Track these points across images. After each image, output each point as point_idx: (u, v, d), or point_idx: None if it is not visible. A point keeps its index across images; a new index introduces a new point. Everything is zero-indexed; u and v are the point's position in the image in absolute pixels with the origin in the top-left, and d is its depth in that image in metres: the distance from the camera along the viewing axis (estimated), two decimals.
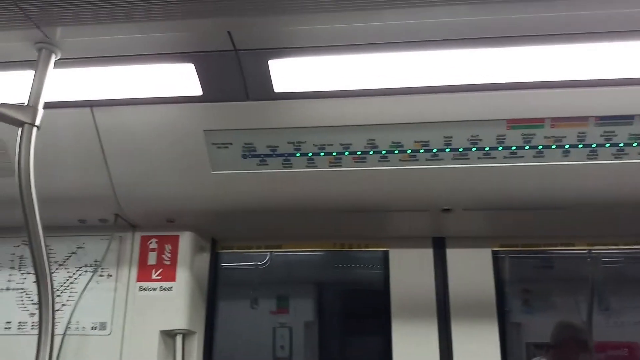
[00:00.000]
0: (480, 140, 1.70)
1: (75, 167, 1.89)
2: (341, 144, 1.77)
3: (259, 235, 2.41)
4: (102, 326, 2.14)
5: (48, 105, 1.44)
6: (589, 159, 1.71)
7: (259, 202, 1.97)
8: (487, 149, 1.72)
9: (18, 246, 2.29)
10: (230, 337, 2.75)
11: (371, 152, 1.76)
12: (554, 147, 1.70)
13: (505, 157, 1.73)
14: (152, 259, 2.18)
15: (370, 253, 2.43)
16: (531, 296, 2.67)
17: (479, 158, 1.73)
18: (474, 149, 1.72)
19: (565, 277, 2.64)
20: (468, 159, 1.73)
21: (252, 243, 2.45)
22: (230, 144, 1.81)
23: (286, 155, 1.81)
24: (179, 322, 2.10)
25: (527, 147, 1.71)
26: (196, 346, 2.20)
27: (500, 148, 1.71)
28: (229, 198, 1.96)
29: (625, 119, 1.64)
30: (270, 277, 2.74)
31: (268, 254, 2.58)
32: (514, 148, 1.71)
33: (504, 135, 1.69)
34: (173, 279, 2.14)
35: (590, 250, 2.33)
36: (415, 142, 1.72)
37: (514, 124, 1.67)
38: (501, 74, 1.56)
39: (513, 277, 2.47)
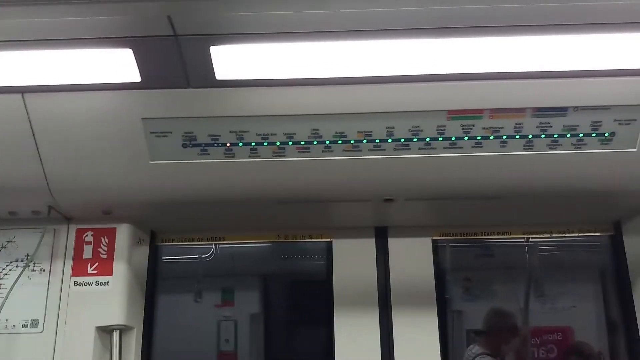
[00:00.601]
0: (421, 130, 1.73)
1: (5, 156, 1.80)
2: (285, 134, 1.75)
3: (200, 227, 2.37)
4: (34, 323, 2.05)
5: None
6: (525, 150, 1.76)
7: (200, 193, 1.93)
8: (427, 139, 1.74)
9: None
10: (173, 331, 2.69)
11: (315, 142, 1.76)
12: (492, 137, 1.74)
13: (445, 148, 1.76)
14: (87, 252, 2.10)
15: (315, 244, 2.43)
16: (471, 284, 2.74)
17: (420, 148, 1.76)
18: (415, 140, 1.74)
19: (503, 265, 2.73)
20: (409, 149, 1.76)
21: (193, 235, 2.41)
22: (170, 132, 1.76)
23: (228, 144, 1.78)
24: (116, 317, 2.04)
25: (466, 138, 1.75)
26: (134, 342, 2.13)
27: (440, 139, 1.74)
28: (168, 189, 1.91)
29: (560, 111, 1.70)
30: (215, 270, 2.70)
31: (212, 246, 2.53)
32: (453, 139, 1.74)
33: (444, 126, 1.72)
34: (110, 273, 2.07)
35: (527, 238, 2.41)
36: (358, 132, 1.73)
37: (454, 114, 1.71)
38: (442, 65, 1.59)
39: (453, 265, 2.54)
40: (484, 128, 1.73)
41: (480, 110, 1.70)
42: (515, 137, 1.74)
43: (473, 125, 1.72)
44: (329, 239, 2.36)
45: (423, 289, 2.25)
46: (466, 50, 1.54)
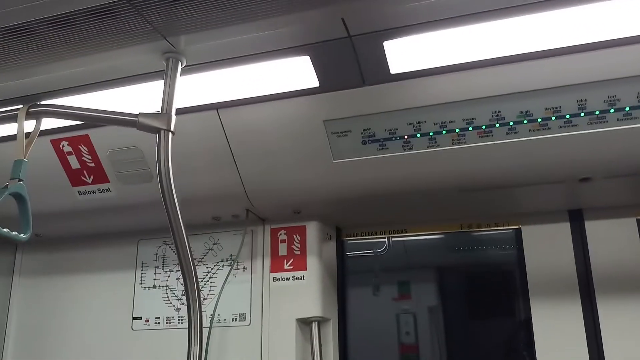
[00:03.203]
0: (618, 100, 1.57)
1: (206, 167, 1.99)
2: (464, 119, 1.70)
3: (382, 221, 2.40)
4: (242, 317, 2.24)
5: (178, 112, 1.53)
6: None
7: (381, 187, 1.96)
8: (627, 109, 1.57)
9: (159, 246, 2.46)
10: (360, 323, 2.76)
11: (497, 125, 1.68)
12: None
13: None
14: (282, 249, 2.24)
15: (496, 232, 2.33)
16: None
17: (618, 120, 1.59)
18: (612, 111, 1.59)
19: None
20: (606, 121, 1.60)
21: (375, 229, 2.45)
22: (350, 131, 1.81)
23: (406, 137, 1.78)
24: (313, 309, 2.15)
25: None
26: (331, 333, 2.23)
27: None
28: (351, 185, 1.96)
29: None
30: (392, 264, 2.71)
31: (386, 240, 2.55)
32: None
33: None
34: (304, 268, 2.19)
35: None
36: (545, 109, 1.62)
37: None
38: (636, 26, 1.42)
39: None
40: None
41: None
42: None
43: None
44: (516, 226, 2.25)
45: (630, 273, 2.04)
46: None
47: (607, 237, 2.09)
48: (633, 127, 1.60)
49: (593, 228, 2.12)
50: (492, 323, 2.65)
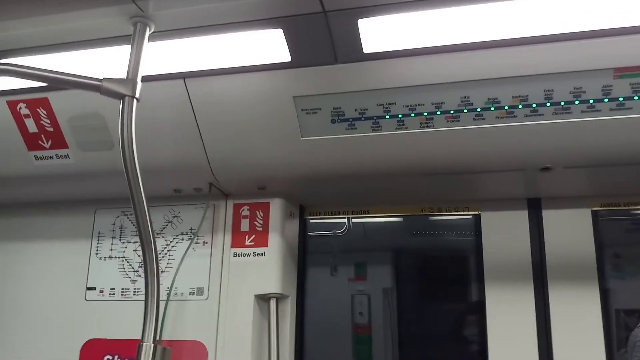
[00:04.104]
0: (584, 92, 1.60)
1: (170, 138, 1.95)
2: (433, 103, 1.71)
3: (346, 201, 2.42)
4: (200, 291, 2.23)
5: (143, 79, 1.48)
6: None
7: (347, 167, 1.96)
8: (591, 101, 1.61)
9: (117, 217, 2.41)
10: (317, 302, 2.78)
11: (465, 110, 1.70)
12: None
13: (611, 110, 1.62)
14: (244, 225, 2.23)
15: (455, 218, 2.37)
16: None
17: (582, 112, 1.63)
18: (577, 102, 1.62)
19: None
20: (571, 112, 1.64)
21: (338, 209, 2.46)
22: (319, 109, 1.80)
23: (375, 118, 1.79)
24: (272, 286, 2.15)
25: (636, 98, 1.59)
26: (289, 310, 2.24)
27: (606, 100, 1.60)
28: (318, 164, 1.96)
29: None
30: (350, 245, 2.73)
31: (346, 221, 2.57)
32: (621, 99, 1.60)
33: (611, 86, 1.58)
34: (266, 244, 2.18)
35: None
36: (513, 97, 1.64)
37: (622, 72, 1.56)
38: (606, 20, 1.45)
39: (615, 240, 2.33)
40: None
41: None
42: None
43: None
44: (476, 212, 2.29)
45: (582, 263, 2.11)
46: (635, 1, 1.39)
47: (562, 226, 2.16)
48: (595, 120, 1.64)
49: (550, 217, 2.18)
50: (446, 306, 2.71)
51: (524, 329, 2.10)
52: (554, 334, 2.06)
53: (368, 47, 1.60)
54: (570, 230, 2.14)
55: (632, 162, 1.81)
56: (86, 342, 2.29)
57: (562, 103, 1.63)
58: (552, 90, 1.61)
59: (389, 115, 1.77)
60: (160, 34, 1.58)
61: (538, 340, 2.08)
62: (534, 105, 1.65)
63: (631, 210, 2.20)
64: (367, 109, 1.77)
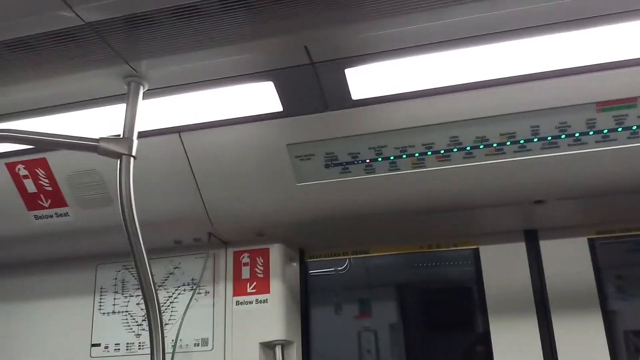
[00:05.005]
0: (569, 126, 1.64)
1: (168, 191, 1.97)
2: (423, 144, 1.75)
3: (345, 242, 2.43)
4: (205, 342, 2.22)
5: (139, 135, 1.52)
6: None
7: (344, 209, 1.98)
8: (577, 134, 1.65)
9: (119, 271, 2.41)
10: (324, 343, 2.76)
11: (455, 150, 1.74)
12: None
13: (597, 142, 1.66)
14: (245, 273, 2.24)
15: (456, 251, 2.39)
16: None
17: (569, 145, 1.67)
18: (563, 136, 1.66)
19: None
20: (558, 147, 1.67)
21: (338, 250, 2.47)
22: (313, 155, 1.83)
23: (368, 161, 1.82)
24: (277, 333, 2.15)
25: (620, 129, 1.63)
26: (295, 355, 2.23)
27: (591, 132, 1.65)
28: (314, 208, 1.98)
29: None
30: (353, 282, 2.73)
31: (347, 258, 2.58)
32: (606, 131, 1.64)
33: (594, 119, 1.63)
34: (267, 291, 2.19)
35: None
36: (500, 134, 1.68)
37: (604, 106, 1.60)
38: (587, 57, 1.50)
39: (614, 264, 2.34)
40: (639, 116, 1.61)
41: (633, 99, 1.59)
42: None
43: (627, 115, 1.61)
44: (474, 246, 2.31)
45: (583, 290, 2.12)
46: (613, 38, 1.44)
47: (560, 255, 2.17)
48: (583, 152, 1.68)
49: (547, 247, 2.19)
50: (452, 339, 2.69)
51: (531, 357, 2.09)
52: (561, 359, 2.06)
53: (356, 94, 1.64)
54: (569, 259, 2.16)
55: (621, 191, 1.84)
56: None
57: (549, 138, 1.67)
58: (539, 126, 1.65)
59: (381, 158, 1.80)
60: (154, 92, 1.62)
61: None
62: (522, 142, 1.69)
63: (627, 237, 2.22)
64: (359, 153, 1.81)
